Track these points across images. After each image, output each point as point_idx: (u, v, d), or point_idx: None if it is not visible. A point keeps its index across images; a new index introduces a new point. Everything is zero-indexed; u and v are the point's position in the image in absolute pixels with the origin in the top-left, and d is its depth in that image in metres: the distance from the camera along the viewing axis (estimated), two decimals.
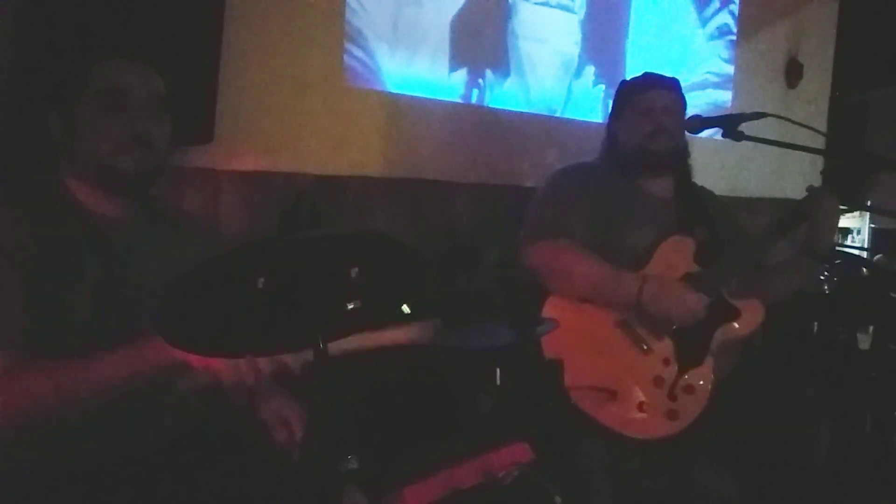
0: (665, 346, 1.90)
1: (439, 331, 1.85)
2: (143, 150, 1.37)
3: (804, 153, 1.93)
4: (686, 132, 2.08)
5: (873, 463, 2.68)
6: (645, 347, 1.89)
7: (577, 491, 1.70)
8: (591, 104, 3.45)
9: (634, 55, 3.64)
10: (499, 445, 1.50)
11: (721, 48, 4.07)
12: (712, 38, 4.03)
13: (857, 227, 4.43)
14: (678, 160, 2.13)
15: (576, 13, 3.44)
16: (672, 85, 2.12)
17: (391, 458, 1.53)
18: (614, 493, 1.77)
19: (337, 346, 1.12)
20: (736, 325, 1.95)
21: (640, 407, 1.84)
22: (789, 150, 1.90)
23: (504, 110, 3.22)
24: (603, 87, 3.49)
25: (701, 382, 1.88)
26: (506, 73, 3.23)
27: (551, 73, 3.38)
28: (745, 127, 1.85)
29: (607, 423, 1.81)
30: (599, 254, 1.93)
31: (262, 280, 1.04)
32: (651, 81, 2.11)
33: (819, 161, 3.83)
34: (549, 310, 1.89)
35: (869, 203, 4.04)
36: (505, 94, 3.23)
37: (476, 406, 2.23)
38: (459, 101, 3.12)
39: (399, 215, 2.89)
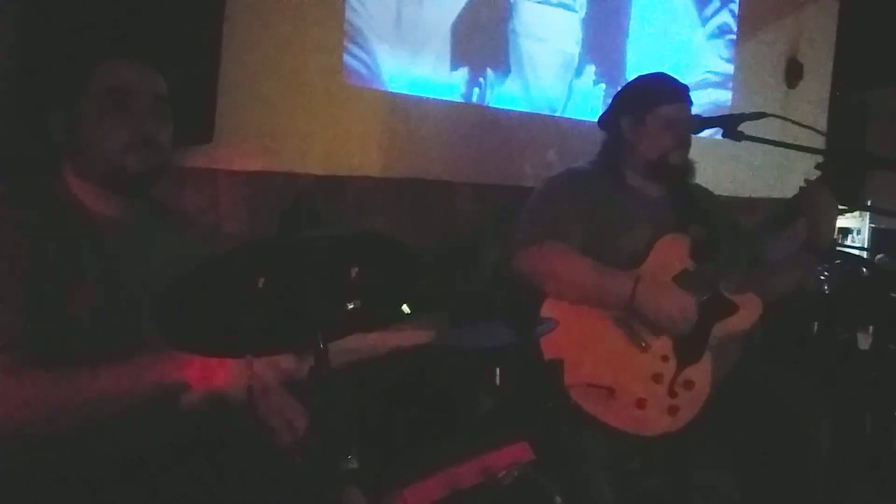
0: (664, 343, 1.90)
1: (441, 330, 1.85)
2: (149, 150, 1.37)
3: (804, 153, 1.93)
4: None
5: (873, 463, 2.68)
6: (643, 344, 1.89)
7: (577, 491, 1.70)
8: (591, 103, 3.45)
9: (635, 54, 3.64)
10: (499, 445, 1.50)
11: (721, 48, 4.07)
12: (712, 37, 4.03)
13: (857, 227, 4.43)
14: (688, 168, 2.13)
15: (576, 12, 3.44)
16: (689, 97, 2.12)
17: (391, 458, 1.53)
18: (614, 493, 1.77)
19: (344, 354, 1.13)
20: (734, 321, 1.95)
21: (640, 404, 1.85)
22: (789, 150, 1.90)
23: (504, 110, 3.22)
24: (603, 86, 3.49)
25: (700, 378, 1.88)
26: (506, 73, 3.23)
27: (552, 73, 3.38)
28: (745, 127, 1.85)
29: (607, 421, 1.81)
30: (595, 255, 1.93)
31: (262, 280, 1.04)
32: (675, 93, 2.08)
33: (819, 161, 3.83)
34: (548, 308, 1.90)
35: (869, 203, 4.05)
36: (505, 94, 3.23)
37: (476, 406, 2.23)
38: (460, 100, 3.12)
39: (399, 215, 2.89)
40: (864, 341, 2.96)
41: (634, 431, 1.83)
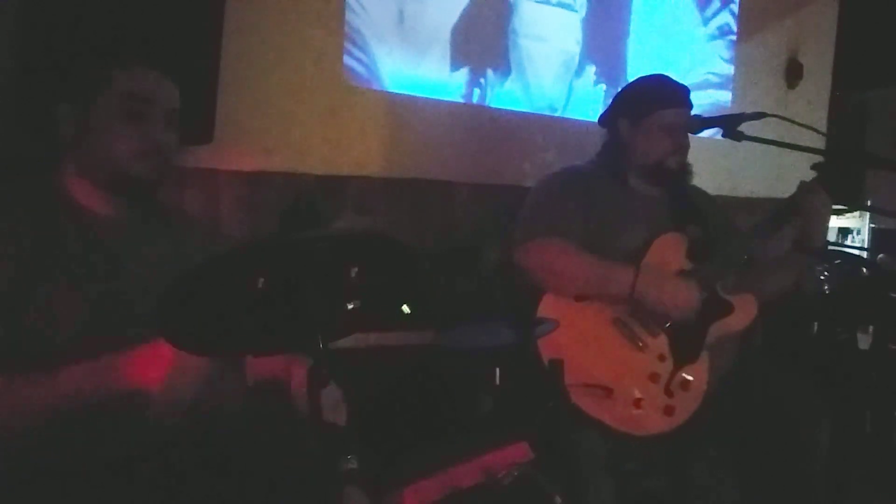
0: (660, 343, 1.91)
1: (441, 330, 1.85)
2: (158, 159, 1.39)
3: (804, 153, 1.93)
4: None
5: (873, 463, 2.68)
6: (640, 344, 1.90)
7: (577, 491, 1.70)
8: (592, 104, 3.44)
9: (635, 55, 3.64)
10: (499, 445, 1.50)
11: (721, 48, 4.06)
12: (713, 37, 4.03)
13: (857, 227, 4.42)
14: (685, 172, 2.13)
15: (577, 12, 3.44)
16: (689, 100, 2.12)
17: (391, 458, 1.53)
18: (614, 493, 1.77)
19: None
20: (730, 321, 1.95)
21: (637, 403, 1.85)
22: (789, 150, 1.90)
23: (505, 110, 3.22)
24: (604, 86, 3.49)
25: (697, 378, 1.89)
26: (506, 73, 3.23)
27: (552, 73, 3.38)
28: (745, 127, 1.86)
29: (604, 421, 1.82)
30: (593, 253, 1.93)
31: (261, 280, 1.04)
32: (674, 98, 2.09)
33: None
34: (545, 309, 1.90)
35: (869, 203, 4.04)
36: (506, 94, 3.23)
37: (476, 406, 2.23)
38: (460, 100, 3.12)
39: (399, 215, 2.89)
40: (864, 341, 2.96)
41: (631, 431, 1.83)
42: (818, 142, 2.29)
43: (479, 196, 3.07)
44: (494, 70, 3.20)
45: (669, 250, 1.99)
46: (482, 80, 3.17)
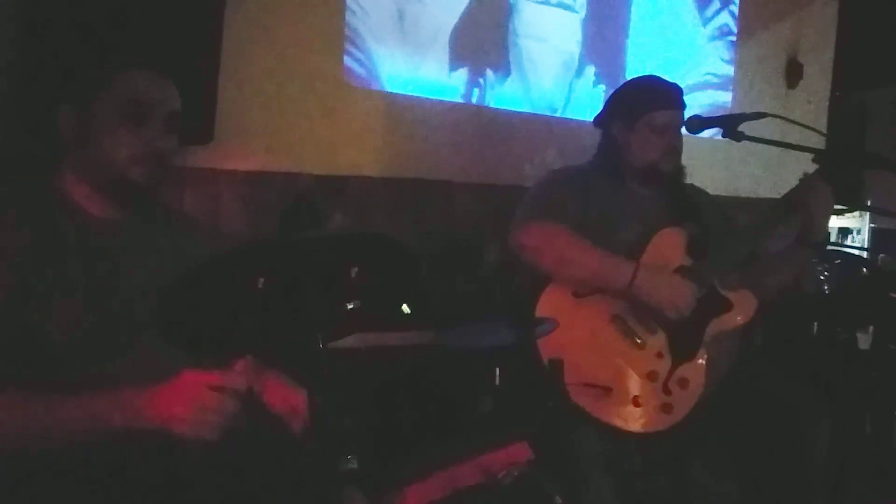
0: (658, 340, 1.91)
1: (441, 330, 1.85)
2: (156, 164, 1.38)
3: (804, 153, 1.93)
4: (685, 132, 2.08)
5: (873, 463, 2.68)
6: (638, 342, 1.90)
7: (577, 491, 1.70)
8: (591, 104, 3.45)
9: (635, 55, 3.64)
10: (499, 445, 1.50)
11: (721, 48, 4.07)
12: (712, 38, 4.03)
13: (857, 227, 4.43)
14: (677, 173, 2.13)
15: (577, 12, 3.44)
16: (682, 102, 2.11)
17: (391, 458, 1.53)
18: (614, 493, 1.77)
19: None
20: (729, 318, 1.95)
21: (635, 401, 1.85)
22: (789, 150, 1.90)
23: (505, 110, 3.22)
24: (603, 87, 3.49)
25: (695, 376, 1.89)
26: (506, 73, 3.23)
27: (552, 73, 3.38)
28: (744, 127, 1.85)
29: (603, 419, 1.82)
30: None
31: (262, 280, 1.04)
32: (666, 99, 2.08)
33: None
34: (543, 308, 1.90)
35: (869, 203, 4.05)
36: (505, 94, 3.23)
37: (476, 406, 2.23)
38: (460, 100, 3.12)
39: (399, 215, 2.89)
40: (864, 341, 2.96)
41: (630, 429, 1.83)
42: (818, 142, 2.29)
43: (479, 196, 3.07)
44: (494, 70, 3.20)
45: (669, 246, 1.99)
46: (482, 81, 3.17)
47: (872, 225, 4.34)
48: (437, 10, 3.03)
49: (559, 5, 3.38)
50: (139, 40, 1.97)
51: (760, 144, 1.90)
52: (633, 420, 1.84)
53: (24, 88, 1.98)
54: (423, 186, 2.95)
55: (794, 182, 2.03)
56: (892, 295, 2.81)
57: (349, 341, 1.47)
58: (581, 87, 3.46)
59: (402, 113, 2.94)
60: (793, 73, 4.28)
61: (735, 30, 4.11)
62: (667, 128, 2.04)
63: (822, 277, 2.88)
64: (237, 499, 1.30)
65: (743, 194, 3.94)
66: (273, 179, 2.60)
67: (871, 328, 2.94)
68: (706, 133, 2.02)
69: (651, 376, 1.88)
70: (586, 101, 3.44)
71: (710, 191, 2.36)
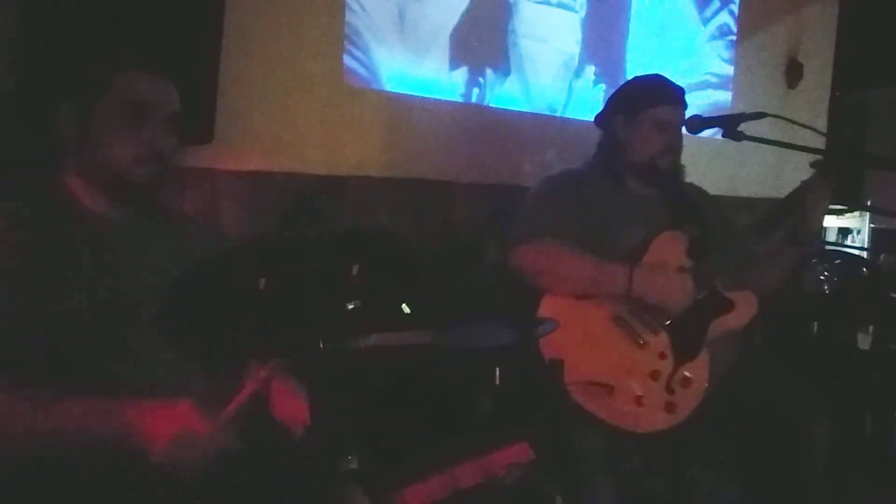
0: (661, 340, 1.91)
1: (441, 330, 1.85)
2: (156, 164, 1.39)
3: (804, 153, 1.93)
4: (685, 131, 2.08)
5: (873, 463, 2.68)
6: (641, 342, 1.90)
7: (577, 491, 1.70)
8: (591, 104, 3.44)
9: (635, 55, 3.64)
10: (499, 445, 1.50)
11: (721, 48, 4.06)
12: (712, 38, 4.03)
13: (857, 227, 4.42)
14: (676, 171, 2.13)
15: (577, 12, 3.44)
16: (684, 100, 2.12)
17: (391, 458, 1.53)
18: (614, 493, 1.78)
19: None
20: (730, 318, 1.96)
21: (638, 401, 1.86)
22: (789, 150, 1.90)
23: (504, 110, 3.22)
24: (603, 86, 3.49)
25: (697, 375, 1.90)
26: (506, 73, 3.23)
27: (552, 73, 3.38)
28: (745, 127, 1.86)
29: (605, 418, 1.82)
30: (591, 254, 1.94)
31: (262, 280, 1.04)
32: (669, 96, 2.09)
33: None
34: (545, 308, 1.90)
35: (869, 203, 4.04)
36: (505, 94, 3.23)
37: (476, 406, 2.23)
38: (460, 100, 3.12)
39: (399, 215, 2.89)
40: (864, 341, 2.96)
41: (632, 428, 1.84)
42: (818, 142, 2.29)
43: (479, 196, 3.07)
44: (494, 70, 3.20)
45: (669, 249, 1.99)
46: (482, 80, 3.17)
47: (872, 225, 4.34)
48: (437, 10, 3.03)
49: (559, 5, 3.38)
50: (139, 40, 1.97)
51: (760, 144, 1.90)
52: (637, 419, 1.85)
53: (24, 89, 1.97)
54: (423, 186, 2.95)
55: (794, 182, 2.03)
56: (893, 295, 2.81)
57: (355, 342, 1.47)
58: (581, 86, 3.46)
59: (402, 113, 2.94)
60: (793, 73, 4.28)
61: (735, 29, 4.11)
62: (668, 124, 2.05)
63: (822, 277, 2.88)
64: (238, 499, 1.30)
65: (743, 194, 3.93)
66: (273, 179, 2.60)
67: (871, 328, 2.94)
68: (706, 133, 2.02)
69: (654, 376, 1.88)
70: (586, 101, 3.44)
71: (710, 191, 2.36)
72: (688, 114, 2.11)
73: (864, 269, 3.01)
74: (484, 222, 2.99)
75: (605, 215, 2.03)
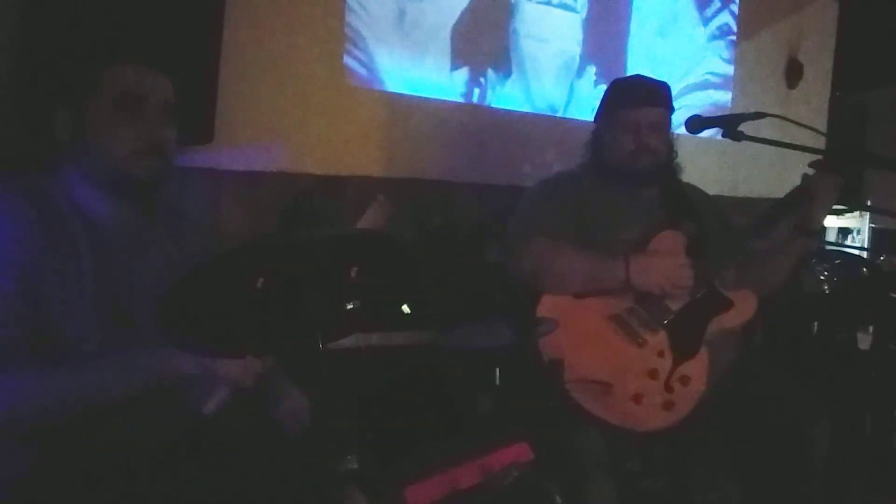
0: (659, 339, 1.91)
1: (441, 330, 1.85)
2: (156, 156, 1.38)
3: (804, 153, 1.93)
4: (685, 132, 2.08)
5: (873, 463, 2.68)
6: (640, 341, 1.91)
7: (577, 491, 1.70)
8: (592, 104, 3.44)
9: (635, 55, 3.64)
10: (499, 445, 1.51)
11: (721, 48, 4.07)
12: (713, 38, 4.03)
13: (857, 227, 4.43)
14: (663, 172, 2.13)
15: (578, 12, 3.44)
16: (659, 100, 2.11)
17: (391, 458, 1.53)
18: (614, 493, 1.77)
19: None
20: (729, 316, 1.96)
21: (637, 399, 1.86)
22: (789, 150, 1.90)
23: (505, 110, 3.22)
24: (604, 87, 3.49)
25: (696, 374, 1.89)
26: (507, 73, 3.23)
27: (553, 73, 3.38)
28: (745, 127, 1.85)
29: (605, 417, 1.82)
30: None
31: (261, 280, 1.04)
32: (639, 97, 2.09)
33: None
34: (544, 308, 1.91)
35: (869, 203, 4.05)
36: (506, 94, 3.23)
37: (476, 406, 2.23)
38: (460, 100, 3.12)
39: (399, 215, 2.88)
40: (864, 341, 2.96)
41: (631, 427, 1.84)
42: (818, 142, 2.29)
43: (479, 196, 3.07)
44: (495, 70, 3.20)
45: (668, 248, 2.00)
46: (482, 81, 3.17)
47: (872, 225, 4.34)
48: (437, 10, 3.04)
49: (560, 5, 3.38)
50: (134, 38, 1.97)
51: (760, 144, 1.90)
52: (636, 418, 1.85)
53: (22, 90, 1.98)
54: (423, 186, 2.95)
55: (794, 182, 2.03)
56: (893, 295, 2.81)
57: (349, 342, 1.47)
58: (582, 87, 3.46)
59: (403, 113, 2.94)
60: (793, 73, 4.28)
61: (735, 29, 4.11)
62: (636, 126, 2.05)
63: (822, 277, 2.88)
64: (238, 499, 1.30)
65: (743, 194, 3.94)
66: (273, 179, 2.60)
67: (871, 328, 2.94)
68: (706, 133, 2.02)
69: (652, 374, 1.88)
70: (587, 101, 3.44)
71: (710, 191, 2.36)
72: (687, 113, 2.11)
73: (864, 269, 3.01)
74: (484, 222, 2.99)
75: (602, 216, 2.04)
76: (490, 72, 3.19)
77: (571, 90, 3.43)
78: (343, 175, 2.78)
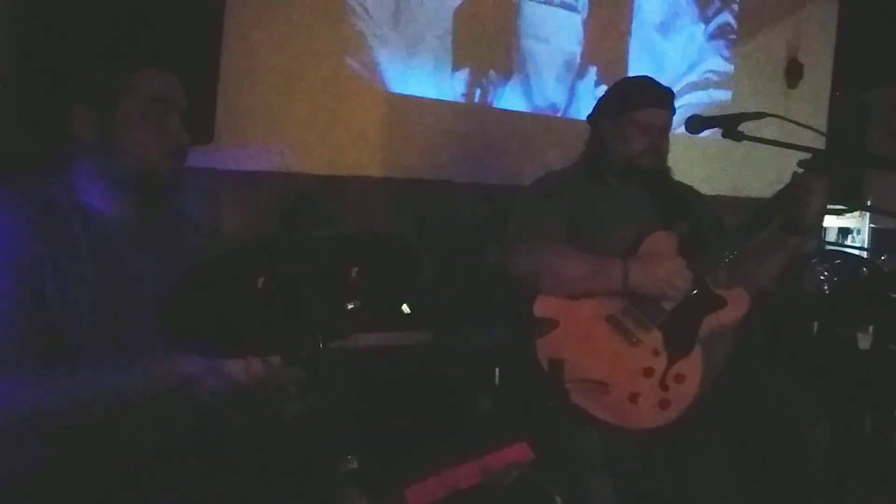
0: (654, 338, 1.92)
1: (441, 329, 1.85)
2: (179, 159, 1.44)
3: (804, 153, 1.93)
4: (685, 131, 2.08)
5: (873, 463, 2.68)
6: (634, 340, 1.91)
7: (577, 491, 1.70)
8: (593, 104, 3.44)
9: (636, 54, 3.64)
10: (499, 445, 1.51)
11: (722, 47, 4.07)
12: (713, 37, 4.03)
13: (857, 227, 4.42)
14: (660, 171, 2.14)
15: (579, 12, 3.44)
16: (670, 104, 2.13)
17: (391, 458, 1.53)
18: (614, 493, 1.78)
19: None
20: (723, 314, 1.97)
21: (633, 398, 1.86)
22: (789, 150, 1.90)
23: (505, 110, 3.22)
24: (605, 87, 3.49)
25: (691, 372, 1.90)
26: (508, 73, 3.23)
27: (554, 73, 3.38)
28: (745, 127, 1.86)
29: (601, 416, 1.83)
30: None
31: (262, 280, 1.04)
32: (653, 98, 2.10)
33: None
34: (540, 308, 1.91)
35: (869, 203, 4.04)
36: (507, 94, 3.23)
37: (476, 406, 2.23)
38: (461, 100, 3.12)
39: (399, 215, 2.89)
40: (864, 341, 2.96)
41: (627, 426, 1.84)
42: (818, 142, 2.29)
43: (480, 196, 3.07)
44: (496, 70, 3.20)
45: (660, 248, 2.00)
46: (484, 81, 3.17)
47: (872, 225, 4.34)
48: (438, 10, 3.04)
49: (561, 5, 3.38)
50: (145, 40, 1.98)
51: (760, 144, 1.90)
52: (633, 417, 1.85)
53: (27, 90, 1.98)
54: (423, 186, 2.95)
55: None
56: (893, 295, 2.80)
57: (349, 342, 1.47)
58: (583, 87, 3.46)
59: (403, 113, 2.94)
60: (793, 73, 4.28)
61: (735, 29, 4.11)
62: (650, 126, 2.06)
63: (822, 277, 2.88)
64: (237, 498, 1.30)
65: (743, 194, 3.94)
66: (273, 179, 2.60)
67: (871, 328, 2.94)
68: (706, 133, 2.02)
69: (647, 373, 1.89)
70: (588, 101, 3.43)
71: (710, 191, 2.37)
72: (687, 113, 2.12)
73: (865, 269, 3.00)
74: (484, 222, 2.99)
75: (596, 215, 2.05)
76: (491, 72, 3.19)
77: (572, 90, 3.43)
78: (343, 175, 2.78)
